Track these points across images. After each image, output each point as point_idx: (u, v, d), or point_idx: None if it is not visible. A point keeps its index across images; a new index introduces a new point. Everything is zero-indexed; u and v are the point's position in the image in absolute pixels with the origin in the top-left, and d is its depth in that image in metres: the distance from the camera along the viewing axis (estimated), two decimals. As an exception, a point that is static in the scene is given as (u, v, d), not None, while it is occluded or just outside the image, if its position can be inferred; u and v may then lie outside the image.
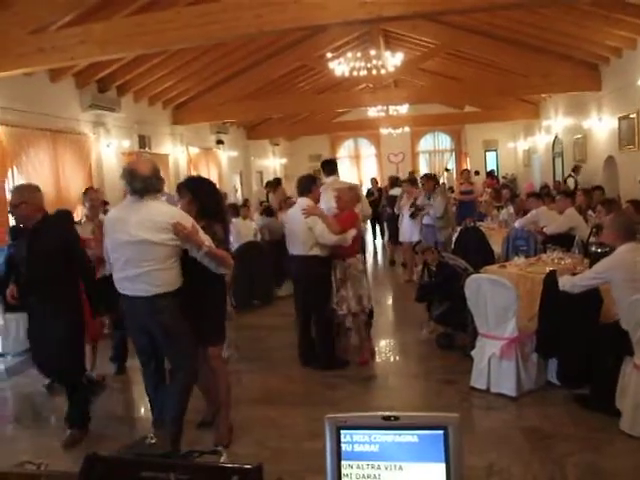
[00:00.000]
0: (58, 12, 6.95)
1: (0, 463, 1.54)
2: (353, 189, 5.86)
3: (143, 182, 3.58)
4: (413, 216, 8.90)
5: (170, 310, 3.63)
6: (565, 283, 4.27)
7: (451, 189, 16.17)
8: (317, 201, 5.46)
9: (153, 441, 1.34)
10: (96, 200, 6.15)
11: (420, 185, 9.87)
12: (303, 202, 5.34)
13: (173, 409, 3.77)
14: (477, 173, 18.26)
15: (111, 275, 3.82)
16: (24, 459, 1.45)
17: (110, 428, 4.42)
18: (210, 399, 4.23)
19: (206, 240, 3.59)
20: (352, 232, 5.30)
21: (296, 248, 5.35)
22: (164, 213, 3.60)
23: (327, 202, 5.88)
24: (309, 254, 5.25)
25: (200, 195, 3.95)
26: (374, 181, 15.25)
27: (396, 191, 11.35)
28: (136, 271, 3.58)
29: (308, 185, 5.44)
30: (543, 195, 8.39)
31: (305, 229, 5.20)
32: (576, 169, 12.81)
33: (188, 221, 3.57)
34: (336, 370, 5.31)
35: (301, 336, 5.59)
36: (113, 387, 5.38)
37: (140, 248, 3.55)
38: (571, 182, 12.60)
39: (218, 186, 5.47)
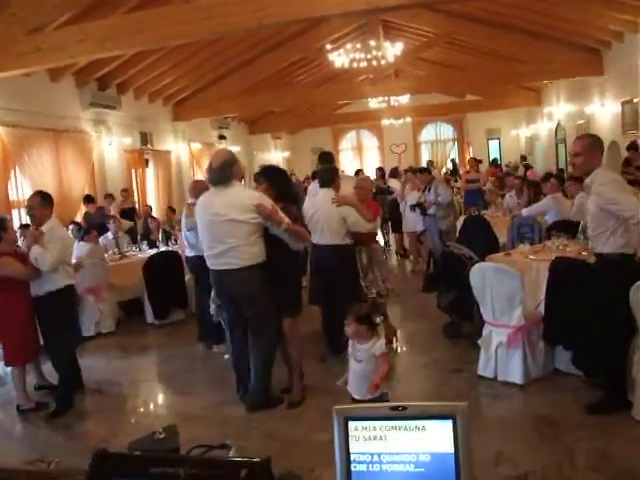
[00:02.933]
0: (56, 11, 6.95)
1: (10, 461, 1.55)
2: (368, 179, 6.51)
3: (213, 173, 4.24)
4: (423, 214, 8.84)
5: (254, 281, 4.19)
6: None
7: (455, 179, 16.15)
8: (338, 191, 5.55)
9: (162, 436, 1.34)
10: (32, 209, 4.91)
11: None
12: (328, 193, 5.42)
13: (258, 374, 4.32)
14: (480, 162, 18.17)
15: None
16: (34, 457, 1.46)
17: (118, 424, 4.45)
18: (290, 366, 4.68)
19: (285, 218, 4.17)
20: (378, 219, 5.79)
21: (326, 238, 5.35)
22: (246, 196, 4.24)
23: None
24: (342, 243, 5.35)
25: (275, 181, 4.57)
26: (361, 173, 15.22)
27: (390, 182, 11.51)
28: (223, 247, 4.15)
29: (331, 177, 5.57)
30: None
31: (338, 219, 5.28)
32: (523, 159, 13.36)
33: (267, 202, 4.16)
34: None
35: (330, 327, 5.58)
36: (122, 384, 5.41)
37: (227, 225, 4.13)
38: (521, 170, 12.88)
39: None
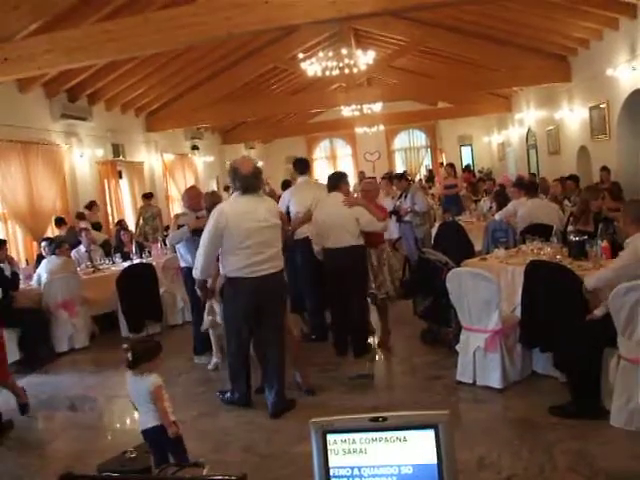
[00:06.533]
0: (23, 20, 6.81)
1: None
2: (374, 182, 6.82)
3: (246, 180, 4.26)
4: (399, 221, 8.87)
5: (284, 281, 4.55)
6: (591, 281, 4.08)
7: (430, 185, 16.28)
8: (346, 195, 5.75)
9: (133, 455, 1.29)
10: None
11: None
12: (337, 196, 5.57)
13: (281, 374, 4.44)
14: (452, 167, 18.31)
15: None
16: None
17: (93, 442, 4.33)
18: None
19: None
20: (387, 220, 6.07)
21: (340, 240, 5.45)
22: (273, 203, 4.61)
23: (300, 202, 6.06)
24: (358, 244, 5.50)
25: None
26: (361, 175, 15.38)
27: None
28: (272, 251, 4.30)
29: (338, 181, 5.73)
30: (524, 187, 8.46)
31: (352, 220, 5.44)
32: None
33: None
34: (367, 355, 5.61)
35: (339, 327, 5.74)
36: (96, 400, 5.28)
37: (273, 231, 4.34)
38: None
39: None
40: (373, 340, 6.00)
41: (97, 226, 10.06)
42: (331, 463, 1.19)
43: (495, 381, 4.50)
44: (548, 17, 9.71)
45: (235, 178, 4.29)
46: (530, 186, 7.62)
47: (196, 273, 4.56)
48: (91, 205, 10.48)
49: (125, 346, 3.27)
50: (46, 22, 7.17)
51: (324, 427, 1.19)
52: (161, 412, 3.15)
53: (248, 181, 4.26)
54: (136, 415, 5.11)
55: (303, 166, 6.61)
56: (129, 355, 3.22)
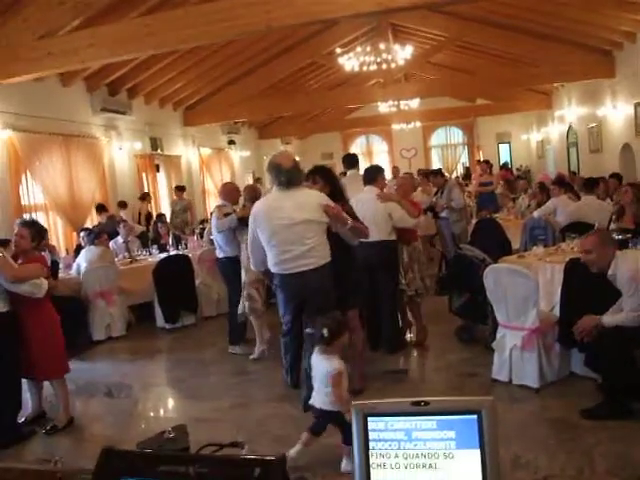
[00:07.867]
0: (66, 16, 6.96)
1: (17, 461, 1.51)
2: (412, 179, 6.60)
3: (286, 175, 4.16)
4: (435, 217, 8.82)
5: (330, 277, 4.24)
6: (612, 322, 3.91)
7: (466, 183, 16.08)
8: (382, 190, 5.69)
9: (171, 435, 1.30)
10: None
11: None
12: (372, 190, 5.53)
13: None
14: (491, 165, 18.06)
15: None
16: (40, 456, 1.42)
17: (128, 427, 4.41)
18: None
19: (347, 216, 4.28)
20: (421, 217, 5.91)
21: (372, 234, 5.26)
22: (314, 196, 4.26)
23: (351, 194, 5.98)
24: (389, 239, 5.45)
25: (330, 180, 4.68)
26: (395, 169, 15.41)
27: None
28: (304, 247, 4.13)
29: (374, 175, 5.68)
30: (564, 184, 8.35)
31: (384, 215, 5.40)
32: None
33: (330, 203, 4.22)
34: (401, 352, 5.59)
35: (371, 322, 5.63)
36: (132, 387, 5.38)
37: (303, 226, 4.13)
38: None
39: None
40: (408, 336, 5.95)
41: (147, 216, 10.38)
42: (371, 447, 1.17)
43: (531, 380, 4.41)
44: (592, 10, 9.45)
45: (280, 173, 4.20)
46: (587, 183, 7.53)
47: (252, 266, 4.73)
48: (144, 196, 10.99)
49: (315, 326, 3.40)
50: (89, 17, 7.31)
51: (365, 410, 1.17)
52: (336, 397, 3.26)
53: (293, 174, 4.19)
54: (170, 404, 5.25)
55: (349, 161, 6.80)
56: (325, 332, 3.30)
